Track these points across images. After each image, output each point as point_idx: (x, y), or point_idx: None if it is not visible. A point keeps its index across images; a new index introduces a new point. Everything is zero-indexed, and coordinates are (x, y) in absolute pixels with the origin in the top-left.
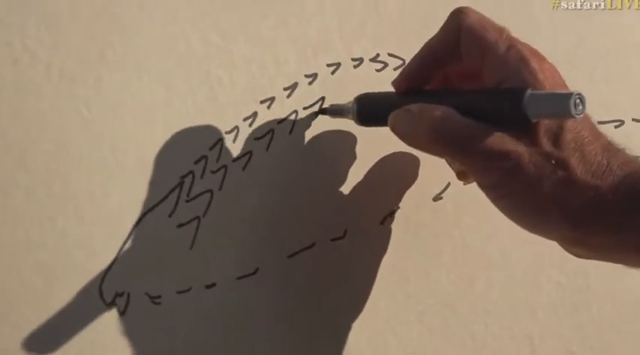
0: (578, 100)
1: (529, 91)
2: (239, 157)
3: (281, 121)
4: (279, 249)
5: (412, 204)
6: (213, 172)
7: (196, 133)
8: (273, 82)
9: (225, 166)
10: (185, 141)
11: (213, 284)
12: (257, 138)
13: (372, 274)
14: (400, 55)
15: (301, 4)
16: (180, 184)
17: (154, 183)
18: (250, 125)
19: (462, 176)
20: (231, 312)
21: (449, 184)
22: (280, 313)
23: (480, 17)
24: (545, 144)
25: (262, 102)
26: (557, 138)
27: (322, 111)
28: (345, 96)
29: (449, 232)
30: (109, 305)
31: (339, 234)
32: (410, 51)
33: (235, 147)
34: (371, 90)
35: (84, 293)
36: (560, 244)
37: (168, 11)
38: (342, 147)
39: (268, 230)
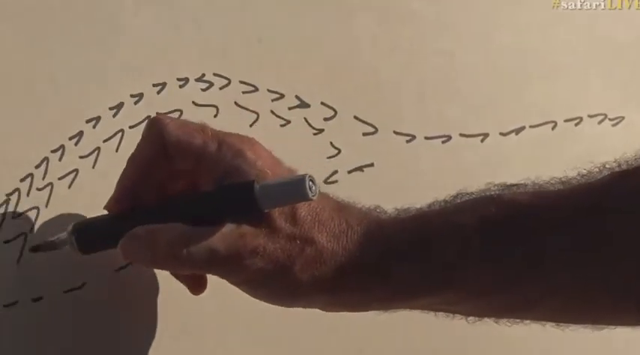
0: (310, 182)
1: (257, 185)
2: (65, 175)
3: (107, 140)
4: (107, 263)
5: None
6: (39, 190)
7: (22, 152)
8: (99, 101)
9: (51, 184)
10: (10, 160)
11: (40, 298)
12: (82, 157)
13: None
14: (225, 75)
15: (125, 29)
16: (6, 202)
17: None
18: (76, 144)
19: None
20: (57, 325)
21: None
22: (106, 326)
23: (178, 124)
24: (285, 226)
25: (88, 121)
26: (293, 217)
27: (34, 248)
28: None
29: None
30: None
31: None
32: (235, 70)
33: (61, 166)
34: (195, 111)
35: None
36: (321, 308)
37: None
38: None
39: None
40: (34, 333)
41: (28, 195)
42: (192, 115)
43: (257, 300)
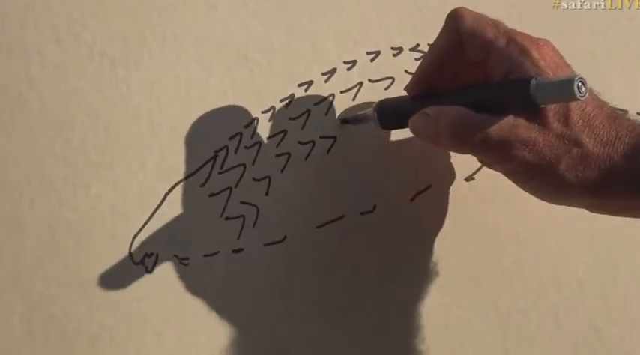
0: (580, 83)
1: (534, 81)
2: (273, 135)
3: (318, 103)
4: (308, 219)
5: (445, 183)
6: (247, 148)
7: (232, 111)
8: (312, 67)
9: (259, 142)
10: (221, 119)
11: (241, 250)
12: (292, 118)
13: (400, 247)
14: None
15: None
16: (214, 157)
17: (188, 156)
18: (287, 106)
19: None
20: (256, 276)
21: (482, 166)
22: (304, 280)
23: (475, 17)
24: (556, 126)
25: (300, 85)
26: (565, 118)
27: (344, 120)
28: (384, 83)
29: (480, 211)
30: (137, 264)
31: (368, 208)
32: None
33: (271, 126)
34: (408, 79)
35: (113, 253)
36: (585, 209)
37: (209, 1)
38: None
39: (299, 201)
40: (228, 282)
41: (235, 152)
42: (405, 84)
43: None
